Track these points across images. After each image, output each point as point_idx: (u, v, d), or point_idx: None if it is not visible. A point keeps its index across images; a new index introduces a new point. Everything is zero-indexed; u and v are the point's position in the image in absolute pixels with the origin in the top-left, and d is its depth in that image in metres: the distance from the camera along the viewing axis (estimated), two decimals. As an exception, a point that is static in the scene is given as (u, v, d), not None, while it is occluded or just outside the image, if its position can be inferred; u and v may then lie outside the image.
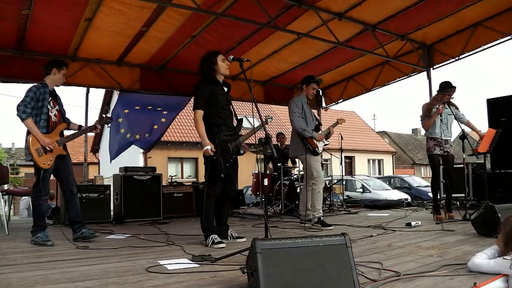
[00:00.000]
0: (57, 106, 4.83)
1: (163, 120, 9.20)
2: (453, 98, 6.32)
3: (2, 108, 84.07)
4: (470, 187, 8.15)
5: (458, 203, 8.32)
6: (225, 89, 4.66)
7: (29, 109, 4.45)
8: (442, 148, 6.25)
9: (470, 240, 4.30)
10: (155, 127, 9.18)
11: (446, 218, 6.24)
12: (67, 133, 4.94)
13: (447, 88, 6.25)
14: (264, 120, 4.33)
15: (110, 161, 9.13)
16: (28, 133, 4.51)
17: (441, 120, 6.27)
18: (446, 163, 6.34)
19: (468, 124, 6.43)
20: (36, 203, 4.62)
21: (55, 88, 4.90)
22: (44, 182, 4.57)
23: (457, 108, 6.39)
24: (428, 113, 6.27)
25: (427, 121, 6.25)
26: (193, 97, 4.66)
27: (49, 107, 4.67)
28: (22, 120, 4.43)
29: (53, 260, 3.65)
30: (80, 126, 5.05)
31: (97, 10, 6.15)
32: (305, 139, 5.86)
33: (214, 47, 7.90)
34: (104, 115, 5.32)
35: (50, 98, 4.72)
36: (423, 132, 6.83)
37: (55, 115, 4.76)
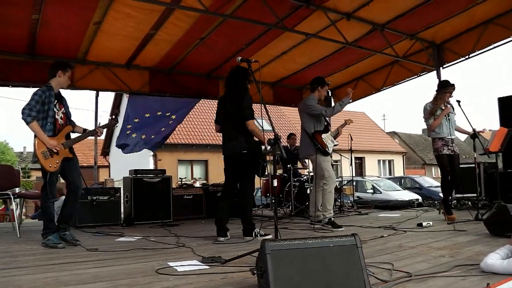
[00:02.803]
0: (62, 109, 4.81)
1: (170, 122, 9.26)
2: (452, 96, 6.35)
3: (14, 113, 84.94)
4: (482, 187, 8.07)
5: (470, 203, 8.26)
6: None
7: (34, 112, 4.43)
8: (449, 147, 6.22)
9: (482, 240, 4.25)
10: (162, 129, 9.24)
11: (445, 219, 6.23)
12: (73, 136, 4.93)
13: (447, 86, 6.29)
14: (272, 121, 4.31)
15: (116, 146, 9.28)
16: (36, 136, 4.51)
17: (448, 119, 6.26)
18: (453, 163, 6.29)
19: (457, 129, 6.52)
20: (44, 206, 4.63)
21: (61, 90, 4.92)
22: (51, 185, 4.56)
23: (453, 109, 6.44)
24: (434, 113, 6.23)
25: (434, 122, 6.20)
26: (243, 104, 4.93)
27: (55, 110, 4.65)
28: (27, 123, 4.41)
29: (64, 262, 3.66)
30: (84, 129, 5.03)
31: (106, 13, 6.18)
32: (315, 140, 5.84)
33: (222, 49, 7.97)
34: (110, 117, 5.32)
35: (56, 101, 4.70)
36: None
37: (61, 118, 4.75)
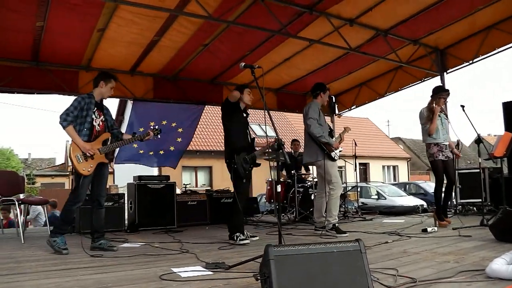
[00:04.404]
0: (102, 117, 4.91)
1: (179, 139, 9.19)
2: (447, 102, 6.42)
3: (19, 119, 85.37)
4: (487, 192, 8.03)
5: (475, 208, 8.22)
6: (245, 114, 5.60)
7: (70, 117, 4.55)
8: (443, 153, 6.24)
9: (488, 246, 4.22)
10: (171, 148, 9.15)
11: (436, 224, 6.23)
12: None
13: (441, 91, 6.34)
14: (276, 128, 4.35)
15: (115, 162, 9.17)
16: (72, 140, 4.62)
17: (441, 124, 6.29)
18: (448, 168, 6.32)
19: None
20: (67, 208, 4.66)
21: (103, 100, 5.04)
22: (82, 188, 4.63)
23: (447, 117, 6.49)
24: (431, 118, 6.24)
25: (431, 125, 6.20)
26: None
27: (93, 117, 4.76)
28: (63, 127, 4.54)
29: (68, 268, 3.66)
30: (134, 133, 5.14)
31: (110, 20, 6.23)
32: (323, 145, 5.81)
33: (226, 56, 8.00)
34: (152, 127, 5.41)
35: (96, 108, 4.81)
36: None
37: (99, 125, 4.84)
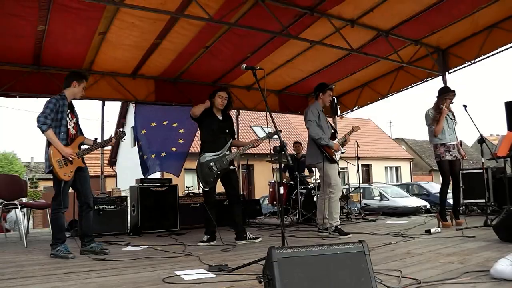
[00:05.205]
0: (74, 119, 4.83)
1: (181, 141, 9.13)
2: (453, 103, 6.38)
3: (21, 123, 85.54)
4: (491, 192, 8.00)
5: (478, 208, 8.19)
6: (220, 118, 5.64)
7: (49, 121, 4.45)
8: (451, 153, 6.22)
9: (492, 246, 4.20)
10: (173, 149, 9.05)
11: (453, 224, 6.18)
12: (83, 147, 4.93)
13: (447, 92, 6.32)
14: (277, 130, 4.34)
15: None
16: (49, 144, 4.51)
17: (447, 125, 6.26)
18: (454, 169, 6.30)
19: None
20: (55, 216, 4.60)
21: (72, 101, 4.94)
22: (64, 195, 4.57)
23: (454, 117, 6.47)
24: (437, 119, 6.22)
25: (437, 127, 6.19)
26: None
27: (67, 119, 4.67)
28: (43, 131, 4.43)
29: (71, 271, 3.65)
30: (95, 140, 5.02)
31: (111, 24, 6.23)
32: (322, 147, 5.81)
33: (227, 58, 8.00)
34: (117, 130, 5.34)
35: (68, 110, 4.72)
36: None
37: (73, 128, 4.76)
